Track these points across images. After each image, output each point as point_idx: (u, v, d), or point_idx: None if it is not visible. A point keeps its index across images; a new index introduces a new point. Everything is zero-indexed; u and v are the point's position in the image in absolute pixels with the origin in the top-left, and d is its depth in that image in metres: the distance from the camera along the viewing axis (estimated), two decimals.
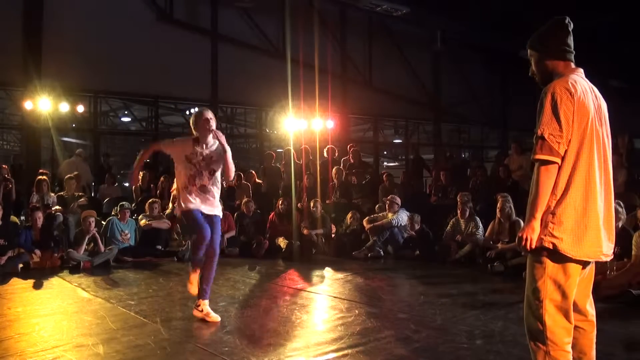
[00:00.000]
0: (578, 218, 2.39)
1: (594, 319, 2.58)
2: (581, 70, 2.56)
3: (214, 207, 4.52)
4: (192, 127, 4.52)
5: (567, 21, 2.55)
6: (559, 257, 2.40)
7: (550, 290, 2.42)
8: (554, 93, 2.39)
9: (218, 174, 4.54)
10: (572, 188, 2.39)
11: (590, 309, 2.59)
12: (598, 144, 2.45)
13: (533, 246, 2.40)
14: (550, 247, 2.38)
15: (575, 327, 2.52)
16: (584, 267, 2.48)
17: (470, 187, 9.19)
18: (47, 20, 10.77)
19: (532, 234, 2.40)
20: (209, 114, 4.45)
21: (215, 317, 4.42)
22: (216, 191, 4.53)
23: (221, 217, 4.71)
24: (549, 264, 2.42)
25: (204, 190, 4.44)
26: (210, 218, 4.46)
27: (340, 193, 9.71)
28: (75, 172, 9.75)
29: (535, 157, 2.39)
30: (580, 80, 2.48)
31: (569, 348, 2.44)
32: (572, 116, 2.37)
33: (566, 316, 2.43)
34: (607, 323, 4.25)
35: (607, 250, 2.48)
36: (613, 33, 12.79)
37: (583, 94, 2.42)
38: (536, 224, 2.40)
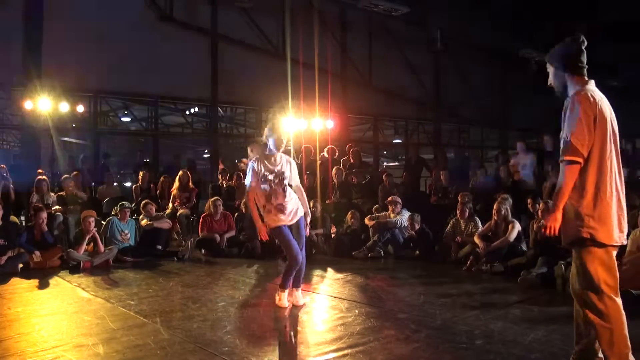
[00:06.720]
0: (606, 210, 2.78)
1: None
2: (592, 82, 2.90)
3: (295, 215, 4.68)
4: (270, 131, 4.50)
5: (581, 40, 2.93)
6: (598, 243, 2.77)
7: (602, 272, 2.78)
8: (579, 103, 2.78)
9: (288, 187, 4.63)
10: (600, 184, 2.78)
11: None
12: (615, 144, 2.87)
13: (556, 233, 2.80)
14: (589, 236, 2.76)
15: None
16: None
17: (470, 187, 9.18)
18: (47, 20, 10.76)
19: (555, 223, 2.79)
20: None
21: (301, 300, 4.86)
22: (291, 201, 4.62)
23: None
24: (593, 250, 2.79)
25: (281, 207, 4.56)
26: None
27: (340, 193, 9.71)
28: (75, 172, 9.75)
29: (563, 158, 2.79)
30: (596, 91, 2.86)
31: (626, 329, 2.78)
32: (593, 122, 2.76)
33: (616, 294, 2.80)
34: None
35: (623, 236, 2.86)
36: (613, 33, 12.77)
37: (601, 102, 2.82)
38: (559, 214, 2.79)
